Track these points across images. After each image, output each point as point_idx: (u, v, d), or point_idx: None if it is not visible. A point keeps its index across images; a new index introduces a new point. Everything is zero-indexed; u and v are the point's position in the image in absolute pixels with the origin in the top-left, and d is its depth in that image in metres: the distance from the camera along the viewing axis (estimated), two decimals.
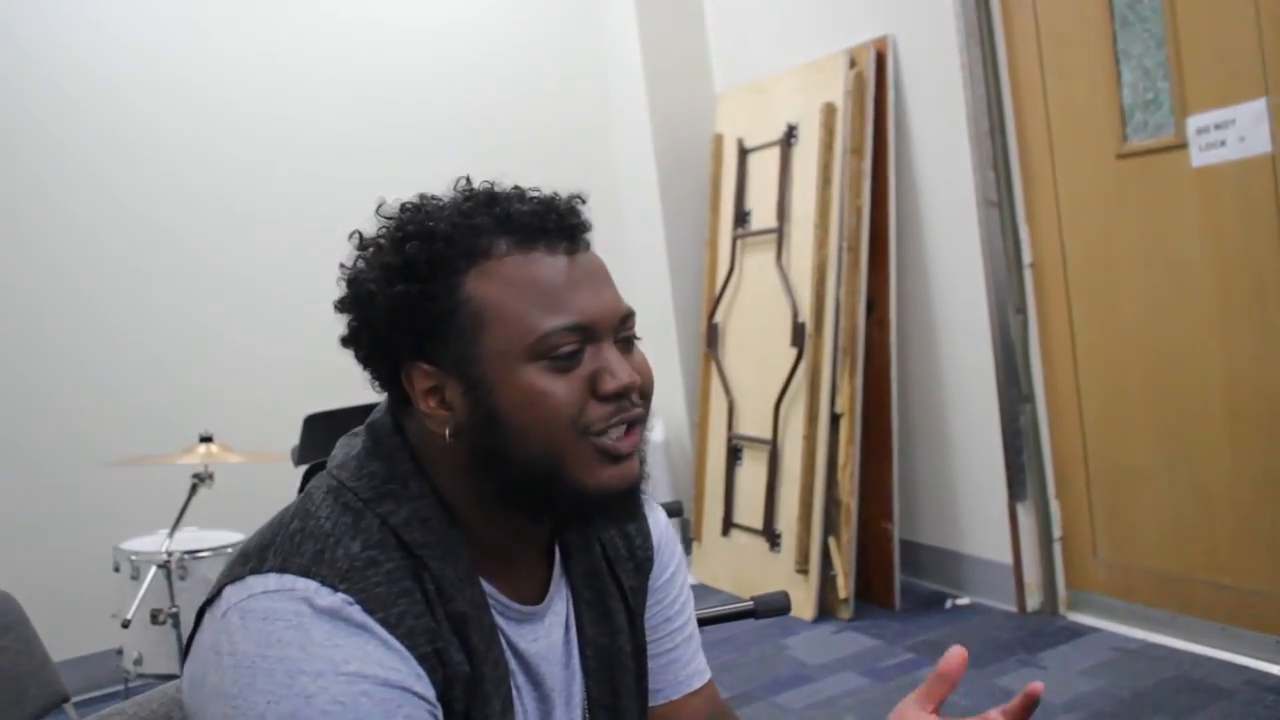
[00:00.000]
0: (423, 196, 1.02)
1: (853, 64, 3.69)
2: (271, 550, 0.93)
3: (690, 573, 4.35)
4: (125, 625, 2.94)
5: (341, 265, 1.01)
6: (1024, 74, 3.31)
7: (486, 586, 0.99)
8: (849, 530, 3.63)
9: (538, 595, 1.05)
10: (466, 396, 0.95)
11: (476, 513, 0.99)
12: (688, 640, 1.21)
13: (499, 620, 1.00)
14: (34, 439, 3.72)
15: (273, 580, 0.91)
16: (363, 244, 1.01)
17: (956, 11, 3.37)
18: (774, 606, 1.65)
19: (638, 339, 1.03)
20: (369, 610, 0.89)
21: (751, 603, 1.66)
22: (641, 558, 1.15)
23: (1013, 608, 3.46)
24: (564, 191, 1.04)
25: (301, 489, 1.09)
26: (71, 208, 3.78)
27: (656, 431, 4.44)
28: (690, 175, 4.48)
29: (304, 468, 2.22)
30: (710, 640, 3.65)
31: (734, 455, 4.14)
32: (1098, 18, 3.05)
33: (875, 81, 3.66)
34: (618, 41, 4.60)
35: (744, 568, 4.03)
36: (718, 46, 4.56)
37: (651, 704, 1.17)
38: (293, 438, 2.88)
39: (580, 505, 0.97)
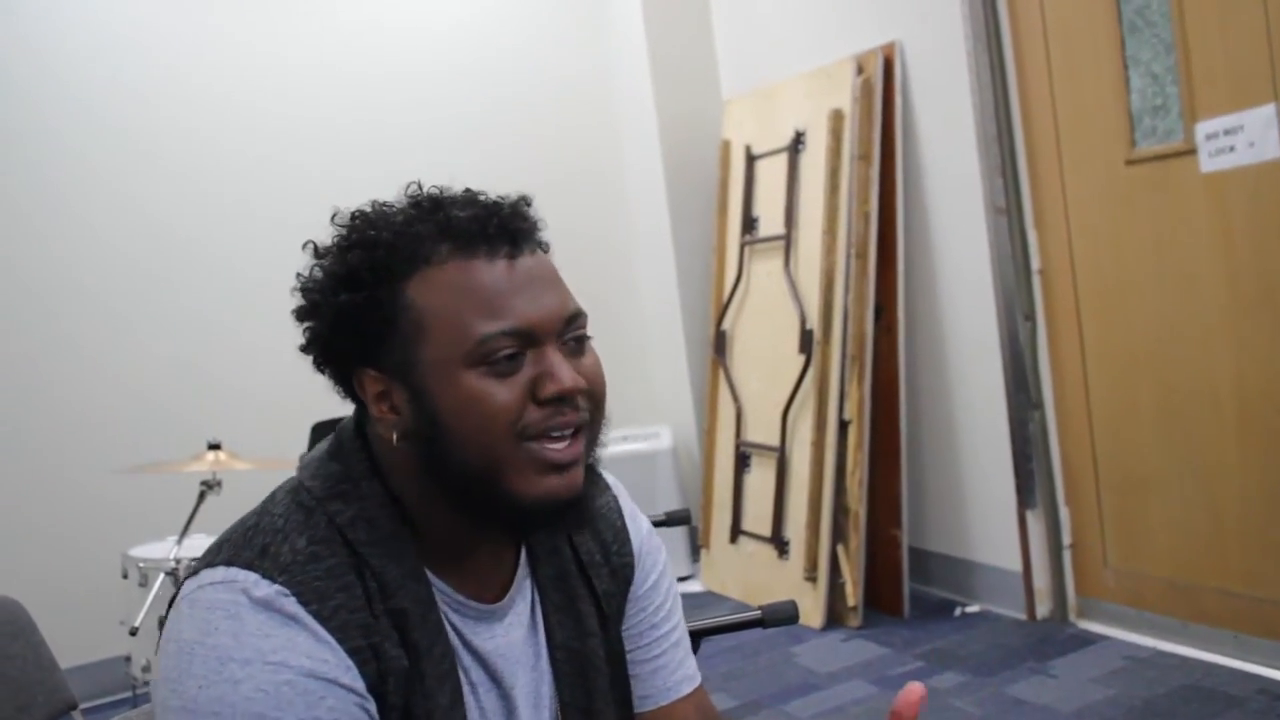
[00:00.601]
0: (374, 203, 1.03)
1: (860, 70, 3.68)
2: (228, 544, 0.97)
3: (698, 580, 4.34)
4: (133, 632, 2.94)
5: (297, 275, 1.03)
6: (1032, 80, 3.31)
7: (440, 584, 1.01)
8: (858, 537, 3.62)
9: (499, 594, 1.06)
10: (411, 402, 0.97)
11: (429, 513, 1.00)
12: (675, 646, 1.21)
13: (454, 617, 1.02)
14: (43, 445, 3.73)
15: (220, 572, 0.94)
16: (317, 253, 1.03)
17: (964, 17, 3.36)
18: (782, 615, 1.64)
19: (589, 338, 1.03)
20: (304, 602, 0.92)
21: (759, 611, 1.66)
22: (618, 564, 1.15)
23: (1022, 615, 3.45)
24: (512, 194, 1.04)
25: None
26: (84, 214, 3.80)
27: (664, 438, 4.44)
28: (698, 182, 4.48)
29: None
30: (718, 648, 3.66)
31: (742, 462, 4.14)
32: (1106, 23, 3.04)
33: (883, 88, 3.66)
34: (625, 48, 4.61)
35: (752, 575, 4.02)
36: (725, 53, 4.57)
37: (640, 709, 1.17)
38: (300, 445, 2.89)
39: (520, 514, 0.98)
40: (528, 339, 0.96)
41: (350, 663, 0.92)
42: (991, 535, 3.57)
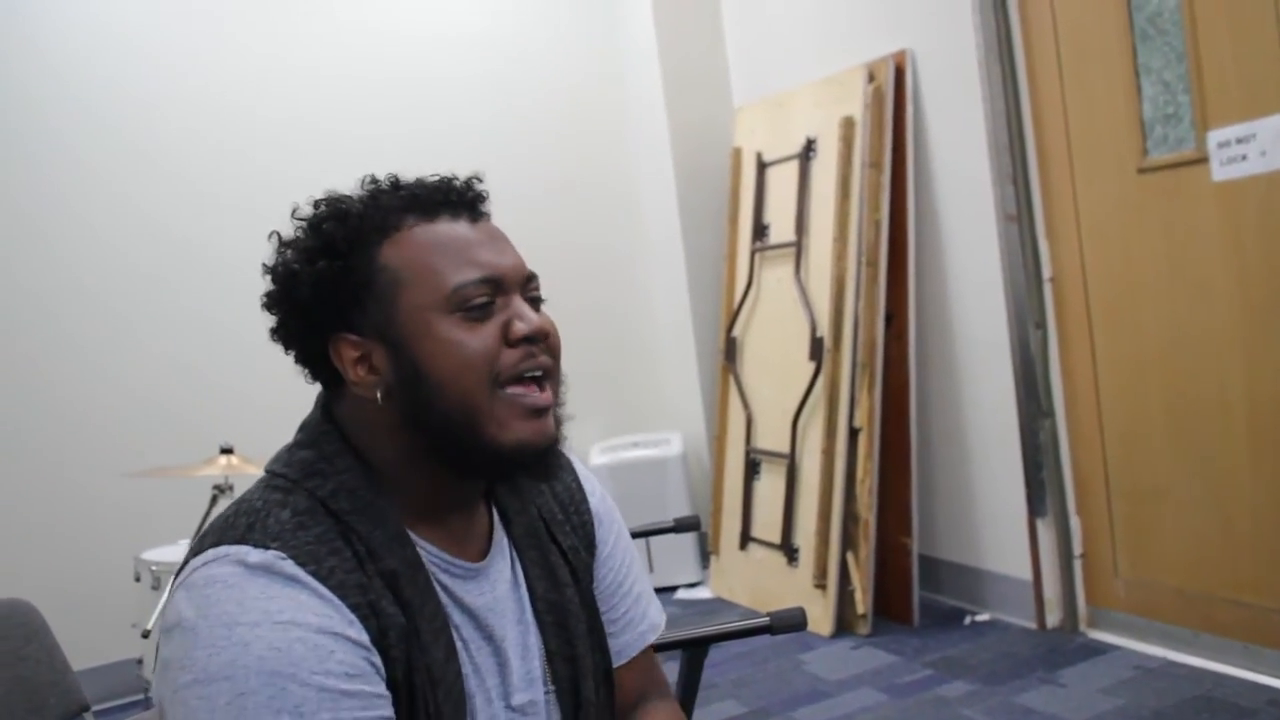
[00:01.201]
0: (329, 193, 1.12)
1: (871, 78, 3.69)
2: (210, 534, 1.01)
3: (708, 586, 4.34)
4: (145, 635, 2.96)
5: (264, 264, 1.10)
6: (1044, 87, 3.30)
7: (426, 546, 1.06)
8: (867, 545, 3.62)
9: (479, 554, 1.12)
10: (390, 357, 1.03)
11: (409, 475, 1.06)
12: (637, 602, 1.29)
13: (442, 577, 1.07)
14: (56, 450, 3.75)
15: (209, 554, 0.98)
16: (281, 244, 1.11)
17: (976, 25, 3.37)
18: (790, 622, 1.65)
19: (543, 300, 1.10)
20: (300, 564, 0.96)
21: (768, 618, 1.66)
22: (578, 523, 1.23)
23: (1032, 624, 3.44)
24: (462, 173, 1.14)
25: None
26: (93, 218, 3.83)
27: (674, 444, 4.45)
28: (709, 188, 4.49)
29: None
30: (727, 655, 3.65)
31: (752, 469, 4.14)
32: (1118, 31, 3.04)
33: (894, 95, 3.66)
34: (637, 55, 4.62)
35: (761, 582, 4.02)
36: (737, 60, 4.58)
37: (617, 665, 1.25)
38: None
39: (499, 460, 1.04)
40: (497, 286, 1.04)
41: (353, 618, 0.96)
42: (1002, 544, 3.56)
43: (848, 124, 3.70)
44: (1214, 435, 2.96)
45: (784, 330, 3.96)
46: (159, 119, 3.92)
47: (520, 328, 1.03)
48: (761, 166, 4.17)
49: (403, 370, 1.03)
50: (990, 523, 3.61)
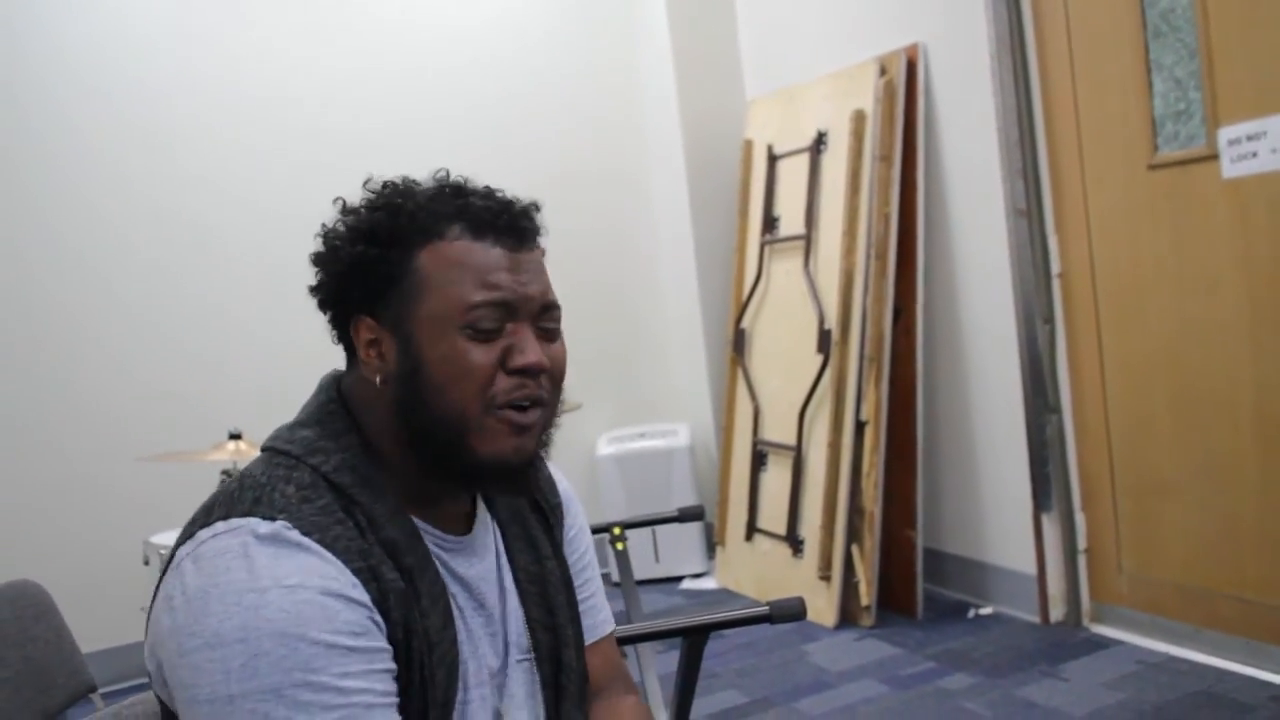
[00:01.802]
0: (404, 178, 1.16)
1: (883, 72, 3.69)
2: (218, 506, 1.04)
3: (713, 577, 4.36)
4: None
5: (323, 225, 1.15)
6: (1055, 83, 3.30)
7: (418, 521, 1.12)
8: (872, 538, 3.63)
9: (465, 529, 1.18)
10: (399, 352, 1.09)
11: (400, 455, 1.11)
12: (597, 591, 1.36)
13: (435, 549, 1.12)
14: (67, 434, 3.78)
15: (220, 525, 1.02)
16: (344, 210, 1.15)
17: (988, 20, 3.36)
18: (788, 612, 1.66)
19: (559, 332, 1.15)
20: (305, 532, 1.00)
21: (766, 607, 1.67)
22: (553, 503, 1.31)
23: (1036, 618, 3.45)
24: (525, 198, 1.17)
25: None
26: (103, 206, 3.85)
27: (682, 435, 4.46)
28: (720, 181, 4.49)
29: None
30: (730, 645, 3.67)
31: (759, 460, 4.15)
32: (1130, 27, 3.04)
33: (905, 89, 3.66)
34: (650, 48, 4.62)
35: (767, 573, 4.03)
36: (749, 53, 4.58)
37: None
38: None
39: (474, 470, 1.09)
40: (509, 312, 1.09)
41: (356, 580, 1.00)
42: (1007, 538, 3.57)
43: (859, 117, 3.69)
44: (1220, 432, 2.96)
45: (792, 323, 3.97)
46: (171, 111, 3.93)
47: (519, 359, 1.08)
48: (772, 159, 4.17)
49: (406, 366, 1.08)
50: (995, 517, 3.62)
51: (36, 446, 3.74)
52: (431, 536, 1.12)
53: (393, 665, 1.01)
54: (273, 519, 1.00)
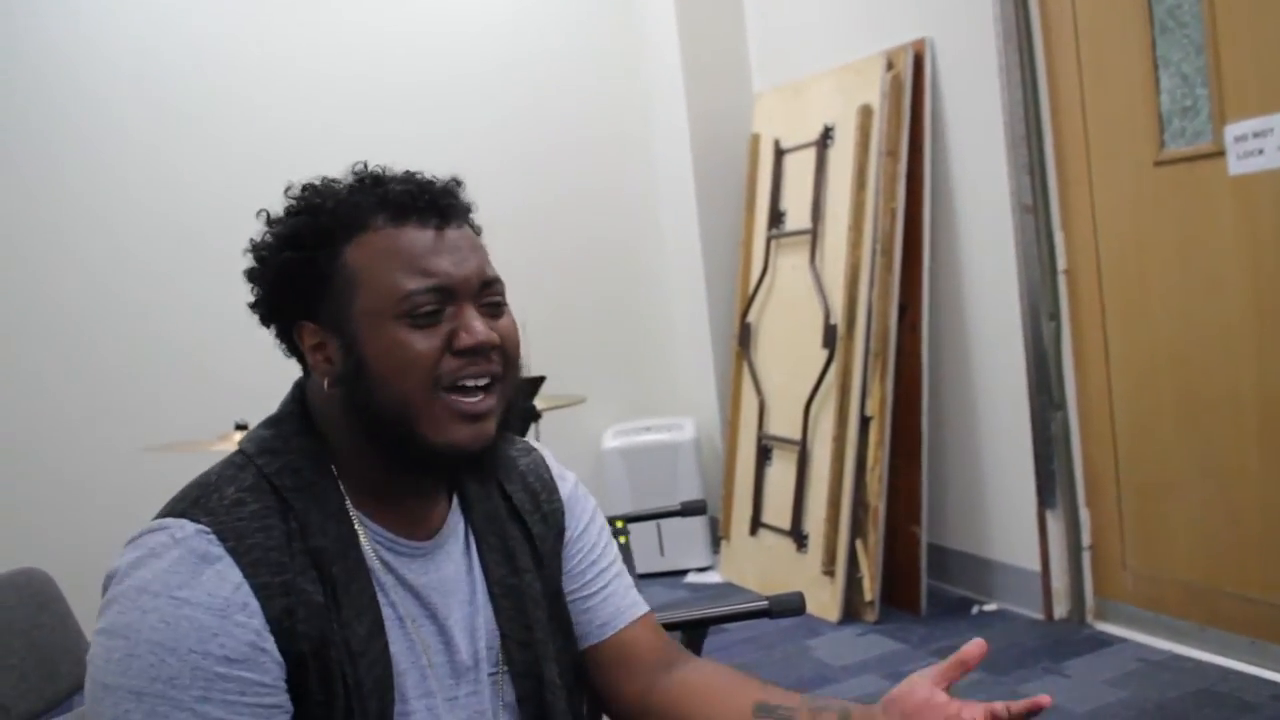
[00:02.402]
0: (323, 178, 1.15)
1: (890, 66, 3.68)
2: (172, 501, 1.09)
3: (717, 571, 4.36)
4: None
5: (250, 239, 1.15)
6: (1062, 79, 3.29)
7: (372, 525, 1.11)
8: (876, 533, 3.63)
9: (430, 535, 1.16)
10: (342, 351, 1.08)
11: (358, 458, 1.11)
12: (618, 577, 1.32)
13: (385, 554, 1.11)
14: (72, 422, 3.81)
15: (155, 523, 1.06)
16: (268, 220, 1.15)
17: (995, 15, 3.35)
18: (788, 606, 1.66)
19: (504, 305, 1.13)
20: (221, 539, 1.02)
21: (766, 601, 1.68)
22: (548, 510, 1.27)
23: (1039, 615, 3.45)
24: (444, 176, 1.16)
25: None
26: (102, 207, 3.88)
27: (687, 429, 4.47)
28: (726, 175, 4.49)
29: None
30: (733, 639, 3.67)
31: (764, 455, 4.15)
32: (1137, 23, 3.03)
33: (912, 84, 3.65)
34: (657, 41, 4.62)
35: (771, 568, 4.04)
36: (756, 47, 4.57)
37: (602, 637, 1.28)
38: None
39: (429, 457, 1.09)
40: (447, 295, 1.07)
41: (254, 599, 1.00)
42: (1011, 535, 3.56)
43: (865, 112, 3.69)
44: (1225, 430, 2.96)
45: (798, 317, 3.97)
46: (174, 111, 3.97)
47: (464, 339, 1.07)
48: (779, 153, 4.17)
49: (350, 364, 1.07)
50: (999, 513, 3.61)
51: (40, 434, 3.76)
52: (383, 540, 1.11)
53: (272, 700, 1.00)
54: (198, 521, 1.03)
